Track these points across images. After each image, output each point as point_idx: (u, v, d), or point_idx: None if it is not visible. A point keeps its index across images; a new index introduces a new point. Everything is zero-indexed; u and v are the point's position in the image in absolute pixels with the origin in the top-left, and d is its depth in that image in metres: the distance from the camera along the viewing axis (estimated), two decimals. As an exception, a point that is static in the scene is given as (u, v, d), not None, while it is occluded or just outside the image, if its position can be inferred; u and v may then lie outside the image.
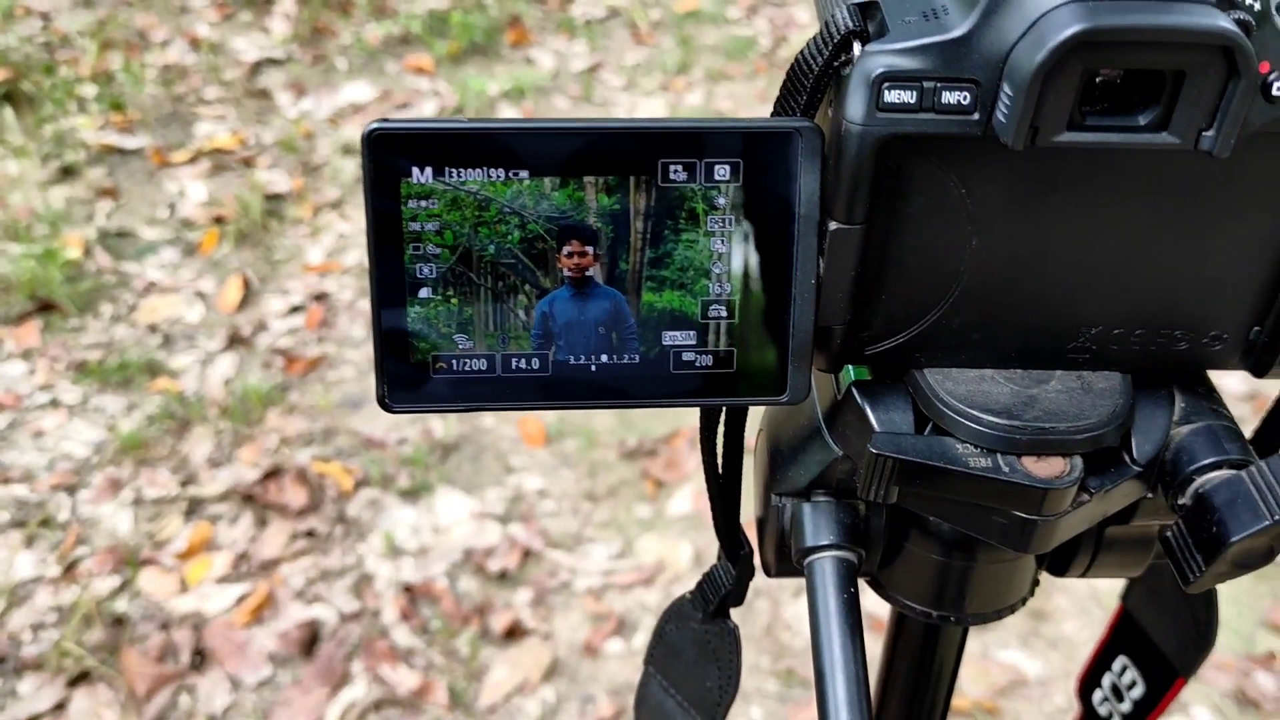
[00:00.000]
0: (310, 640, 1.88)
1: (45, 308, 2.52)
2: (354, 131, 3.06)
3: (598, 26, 3.67)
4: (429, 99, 3.26)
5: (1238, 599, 1.99)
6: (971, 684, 1.86)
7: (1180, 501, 0.50)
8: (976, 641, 1.92)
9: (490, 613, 1.93)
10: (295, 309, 2.56)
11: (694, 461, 2.17)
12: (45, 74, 3.23)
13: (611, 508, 2.13)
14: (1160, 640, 0.72)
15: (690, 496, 2.12)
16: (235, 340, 2.47)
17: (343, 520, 2.08)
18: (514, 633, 1.91)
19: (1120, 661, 0.76)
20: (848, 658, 0.53)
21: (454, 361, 0.46)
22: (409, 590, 1.96)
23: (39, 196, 2.82)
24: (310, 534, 2.05)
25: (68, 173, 2.93)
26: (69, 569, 1.98)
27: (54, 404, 2.30)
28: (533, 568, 2.02)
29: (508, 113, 3.21)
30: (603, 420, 2.29)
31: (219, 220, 2.79)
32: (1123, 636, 0.75)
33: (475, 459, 2.22)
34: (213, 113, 3.19)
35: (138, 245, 2.73)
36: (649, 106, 3.25)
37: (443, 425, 2.26)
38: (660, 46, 3.56)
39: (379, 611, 1.92)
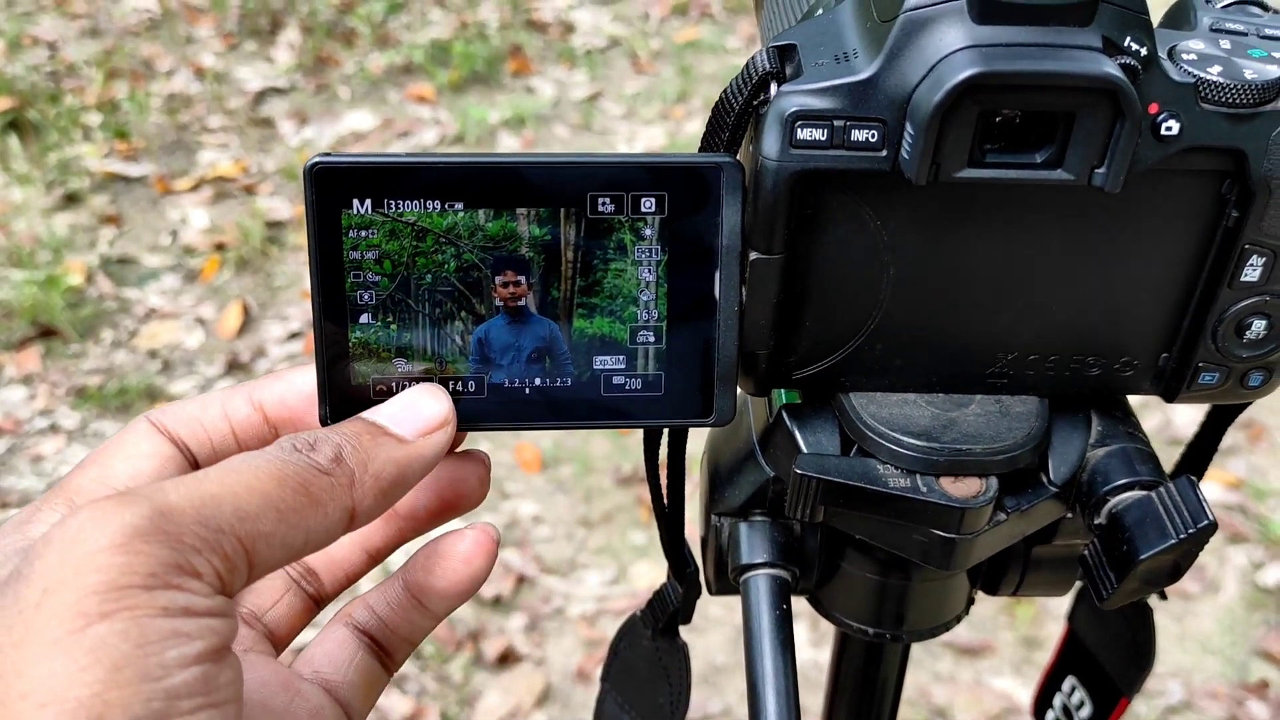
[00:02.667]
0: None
1: (46, 333, 2.55)
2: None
3: (598, 56, 3.70)
4: (430, 127, 3.29)
5: (1231, 627, 1.99)
6: (964, 711, 1.87)
7: (1096, 521, 0.52)
8: (969, 668, 1.93)
9: (483, 638, 1.95)
10: (294, 335, 2.58)
11: (689, 489, 2.17)
12: (51, 102, 3.28)
13: (606, 534, 2.14)
14: (1104, 660, 0.73)
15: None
16: (234, 366, 2.49)
17: (336, 544, 2.09)
18: (507, 659, 1.92)
19: (1069, 682, 0.77)
20: (778, 671, 0.55)
21: (394, 384, 0.48)
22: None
23: (42, 223, 2.85)
24: (304, 558, 2.06)
25: (71, 200, 2.96)
26: (65, 591, 2.00)
27: (53, 429, 2.33)
28: (526, 594, 2.03)
29: (508, 141, 3.25)
30: (599, 447, 2.30)
31: (220, 247, 2.82)
32: (1070, 657, 0.77)
33: (469, 484, 2.23)
34: (216, 141, 3.22)
35: (139, 272, 2.76)
36: (648, 135, 3.27)
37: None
38: (660, 75, 3.59)
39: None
